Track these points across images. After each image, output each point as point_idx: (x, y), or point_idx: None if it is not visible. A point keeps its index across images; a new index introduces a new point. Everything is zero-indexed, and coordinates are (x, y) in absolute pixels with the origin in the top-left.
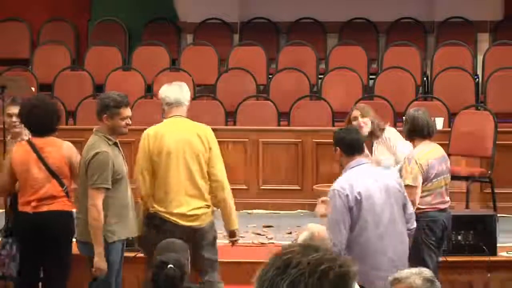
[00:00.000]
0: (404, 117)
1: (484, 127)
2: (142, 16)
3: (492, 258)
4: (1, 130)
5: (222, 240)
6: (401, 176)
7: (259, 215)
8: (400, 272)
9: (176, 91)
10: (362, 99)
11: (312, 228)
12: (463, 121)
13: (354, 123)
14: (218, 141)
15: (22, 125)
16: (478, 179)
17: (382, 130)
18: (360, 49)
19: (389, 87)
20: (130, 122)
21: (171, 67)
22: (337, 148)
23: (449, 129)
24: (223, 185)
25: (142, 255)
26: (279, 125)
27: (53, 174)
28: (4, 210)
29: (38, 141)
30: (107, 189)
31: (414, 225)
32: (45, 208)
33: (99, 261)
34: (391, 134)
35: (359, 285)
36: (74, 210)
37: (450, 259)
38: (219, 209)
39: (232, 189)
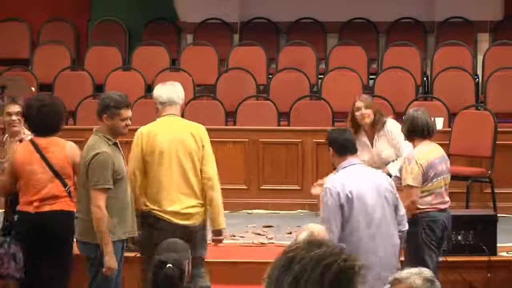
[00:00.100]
0: (403, 117)
1: (484, 127)
2: (142, 16)
3: (492, 258)
4: (1, 130)
5: None
6: (401, 176)
7: (259, 215)
8: (400, 272)
9: (169, 90)
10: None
11: (312, 228)
12: (463, 121)
13: (357, 113)
14: (218, 141)
15: (21, 124)
16: (478, 179)
17: (384, 122)
18: (360, 49)
19: (389, 87)
20: (130, 123)
21: (171, 67)
22: (330, 148)
23: (449, 129)
24: (213, 183)
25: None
26: (279, 125)
27: (57, 174)
28: (3, 209)
29: (41, 141)
30: (109, 189)
31: (406, 227)
32: (47, 208)
33: (110, 260)
34: (393, 127)
35: None
36: (75, 210)
37: (450, 259)
38: None
39: (232, 189)
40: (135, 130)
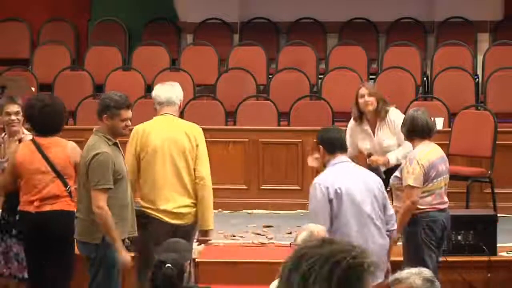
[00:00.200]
0: (403, 117)
1: (484, 127)
2: (142, 16)
3: (492, 258)
4: (1, 130)
5: (222, 240)
6: (401, 176)
7: (259, 215)
8: (400, 272)
9: (167, 90)
10: None
11: (312, 228)
12: (463, 121)
13: (360, 100)
14: (218, 141)
15: (20, 124)
16: (478, 179)
17: (387, 111)
18: (360, 49)
19: (389, 87)
20: (130, 124)
21: (171, 67)
22: (320, 146)
23: (449, 129)
24: (205, 183)
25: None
26: (279, 125)
27: (58, 174)
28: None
29: (43, 141)
30: (109, 189)
31: (394, 227)
32: (47, 208)
33: (123, 256)
34: (397, 117)
35: None
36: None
37: (450, 259)
38: (219, 211)
39: (232, 189)
40: None
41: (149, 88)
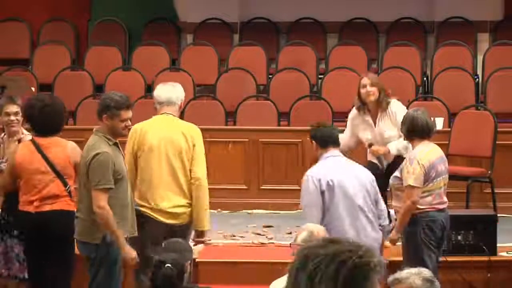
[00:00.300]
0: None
1: (484, 127)
2: (142, 16)
3: (492, 258)
4: (0, 130)
5: (222, 240)
6: (401, 176)
7: (259, 215)
8: (399, 273)
9: (168, 90)
10: None
11: (311, 228)
12: (463, 121)
13: (362, 90)
14: (218, 141)
15: (19, 124)
16: (478, 179)
17: (389, 102)
18: (360, 49)
19: (389, 87)
20: (130, 124)
21: (171, 67)
22: (313, 142)
23: (449, 129)
24: (200, 184)
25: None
26: (279, 125)
27: (58, 174)
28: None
29: (42, 141)
30: (110, 188)
31: (386, 222)
32: (47, 208)
33: (127, 251)
34: (398, 109)
35: None
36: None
37: (450, 259)
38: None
39: (232, 189)
40: None
41: (149, 88)
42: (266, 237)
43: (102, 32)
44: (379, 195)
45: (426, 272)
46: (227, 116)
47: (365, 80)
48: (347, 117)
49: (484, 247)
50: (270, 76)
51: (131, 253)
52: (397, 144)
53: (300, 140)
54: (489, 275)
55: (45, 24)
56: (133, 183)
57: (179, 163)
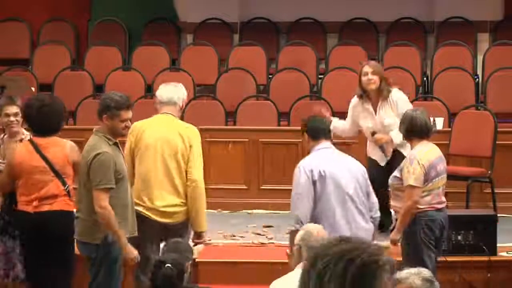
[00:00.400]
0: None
1: (484, 127)
2: (142, 16)
3: (492, 258)
4: (1, 131)
5: (222, 240)
6: (401, 176)
7: (259, 215)
8: (399, 273)
9: (171, 90)
10: None
11: (310, 227)
12: (463, 121)
13: (363, 78)
14: (218, 141)
15: (19, 125)
16: (478, 179)
17: (390, 91)
18: (360, 49)
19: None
20: (130, 124)
21: (171, 67)
22: (305, 133)
23: (449, 129)
24: (196, 186)
25: None
26: (279, 125)
27: (57, 173)
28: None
29: (41, 141)
30: (111, 188)
31: (378, 214)
32: (46, 208)
33: (128, 251)
34: (399, 98)
35: None
36: (74, 210)
37: (450, 259)
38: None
39: (232, 189)
40: None
41: (149, 88)
42: (266, 237)
43: (102, 32)
44: (371, 188)
45: (425, 272)
46: (227, 116)
47: (367, 68)
48: (347, 117)
49: (484, 247)
50: (270, 76)
51: (133, 252)
52: (398, 132)
53: (300, 140)
54: (489, 275)
55: (45, 24)
56: (132, 180)
57: (175, 163)
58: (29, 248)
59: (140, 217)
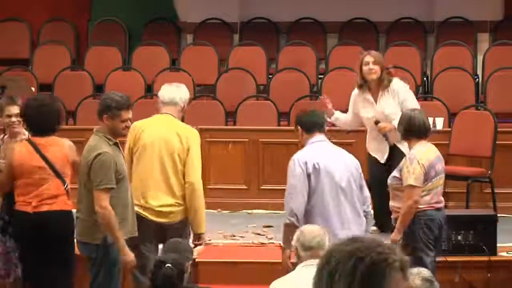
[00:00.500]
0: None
1: (484, 127)
2: (142, 16)
3: (492, 258)
4: (1, 131)
5: (222, 240)
6: (401, 176)
7: (259, 215)
8: None
9: (173, 91)
10: None
11: (306, 228)
12: (463, 121)
13: (365, 68)
14: (218, 141)
15: (21, 125)
16: (478, 179)
17: (390, 80)
18: (360, 49)
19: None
20: (130, 125)
21: (171, 67)
22: (298, 127)
23: (449, 129)
24: (194, 188)
25: None
26: (279, 125)
27: (57, 173)
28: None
29: (40, 141)
30: (112, 188)
31: (370, 208)
32: (45, 208)
33: (125, 254)
34: (400, 87)
35: None
36: (74, 210)
37: (450, 259)
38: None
39: (232, 189)
40: None
41: (149, 88)
42: (266, 237)
43: (102, 32)
44: (364, 181)
45: (425, 272)
46: (227, 116)
47: (368, 58)
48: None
49: (484, 247)
50: (270, 76)
51: (130, 256)
52: None
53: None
54: (489, 275)
55: (45, 24)
56: (130, 180)
57: (171, 163)
58: (29, 248)
59: (137, 217)
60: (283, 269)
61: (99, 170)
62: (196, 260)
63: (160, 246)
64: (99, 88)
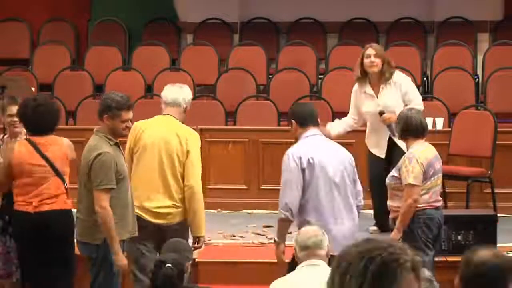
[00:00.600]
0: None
1: (484, 127)
2: (142, 16)
3: None
4: (0, 130)
5: (222, 240)
6: (399, 176)
7: (259, 215)
8: None
9: (175, 91)
10: None
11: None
12: (463, 121)
13: (366, 60)
14: (218, 141)
15: (22, 124)
16: (478, 179)
17: (392, 73)
18: (360, 49)
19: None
20: (131, 125)
21: (171, 67)
22: (292, 121)
23: (449, 129)
24: (193, 192)
25: None
26: (279, 125)
27: (57, 172)
28: None
29: (39, 140)
30: (112, 189)
31: (361, 202)
32: (46, 208)
33: (118, 258)
34: (403, 80)
35: None
36: (74, 210)
37: (450, 259)
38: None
39: (232, 189)
40: None
41: (149, 88)
42: (266, 237)
43: (102, 32)
44: (357, 175)
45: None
46: (227, 116)
47: (370, 51)
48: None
49: None
50: (270, 76)
51: (123, 260)
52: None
53: None
54: None
55: (45, 24)
56: (131, 179)
57: (170, 164)
58: (29, 248)
59: (136, 218)
60: (278, 264)
61: (100, 170)
62: (196, 260)
63: (160, 246)
64: (99, 88)
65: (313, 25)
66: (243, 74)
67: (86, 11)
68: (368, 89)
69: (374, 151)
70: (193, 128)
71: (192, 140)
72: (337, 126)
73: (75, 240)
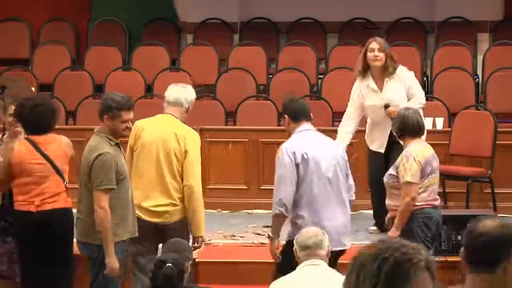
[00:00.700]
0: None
1: (484, 127)
2: (142, 16)
3: None
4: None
5: (222, 240)
6: (397, 174)
7: (259, 215)
8: None
9: (178, 91)
10: None
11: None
12: (463, 121)
13: (370, 54)
14: (218, 141)
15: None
16: (478, 179)
17: (395, 68)
18: (360, 49)
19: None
20: (131, 125)
21: (171, 67)
22: (285, 115)
23: (449, 129)
24: (192, 191)
25: None
26: (279, 125)
27: (57, 170)
28: None
29: (39, 139)
30: (112, 189)
31: (353, 197)
32: (48, 207)
33: (111, 261)
34: (407, 74)
35: None
36: (74, 210)
37: (450, 259)
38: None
39: (232, 189)
40: None
41: (149, 88)
42: (266, 237)
43: (102, 32)
44: (349, 170)
45: None
46: (227, 116)
47: (374, 45)
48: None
49: None
50: (270, 76)
51: (115, 263)
52: (411, 105)
53: None
54: None
55: (45, 24)
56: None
57: (167, 163)
58: (31, 247)
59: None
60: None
61: (100, 170)
62: (196, 260)
63: (160, 246)
64: (99, 88)
65: (313, 25)
66: (243, 74)
67: (86, 11)
68: (372, 83)
69: (374, 146)
70: (193, 128)
71: (191, 139)
72: (345, 140)
73: (74, 239)
